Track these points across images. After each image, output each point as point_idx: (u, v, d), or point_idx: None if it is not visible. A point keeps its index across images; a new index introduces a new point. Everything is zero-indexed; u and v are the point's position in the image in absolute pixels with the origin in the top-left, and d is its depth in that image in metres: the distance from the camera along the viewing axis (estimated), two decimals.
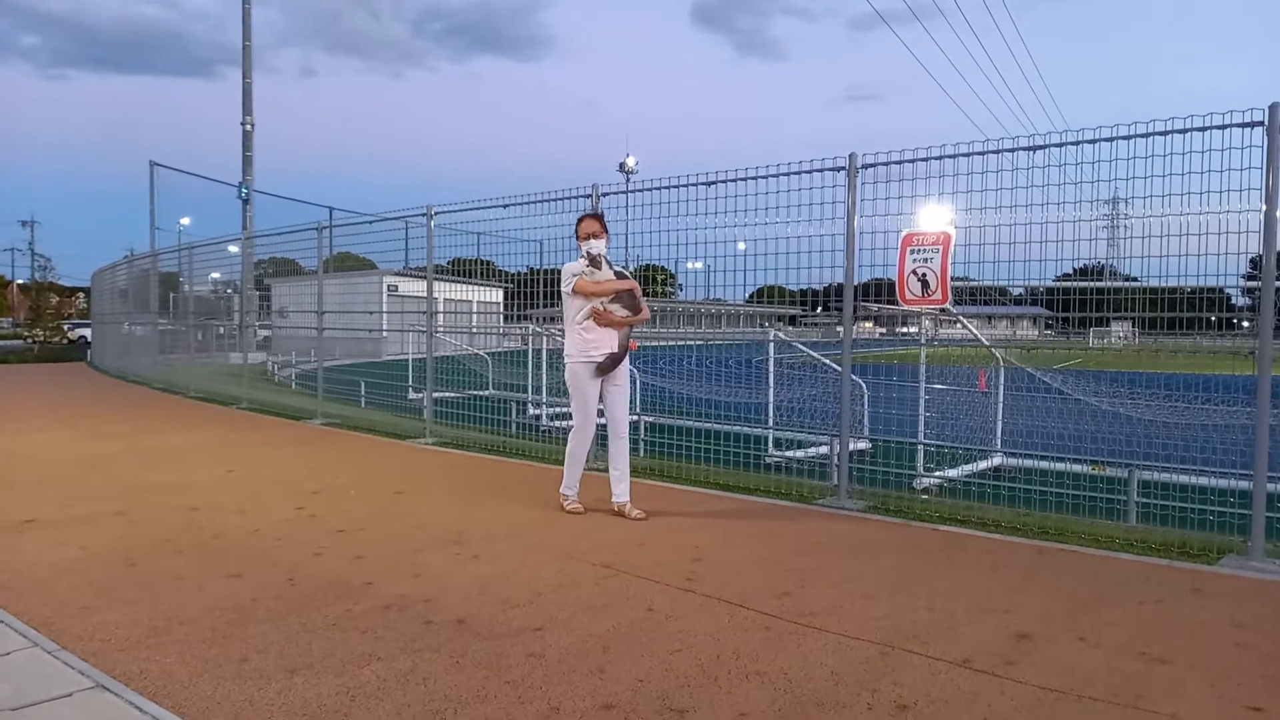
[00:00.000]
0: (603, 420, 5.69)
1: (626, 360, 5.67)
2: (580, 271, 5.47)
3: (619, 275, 5.59)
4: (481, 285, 10.57)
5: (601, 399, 5.59)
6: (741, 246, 6.89)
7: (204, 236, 17.84)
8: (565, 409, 9.96)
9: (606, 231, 5.60)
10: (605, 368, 5.48)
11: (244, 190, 25.77)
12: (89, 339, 29.73)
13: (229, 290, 16.86)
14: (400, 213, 9.74)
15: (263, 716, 2.73)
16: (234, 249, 14.72)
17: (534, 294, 8.79)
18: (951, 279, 5.63)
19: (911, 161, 5.78)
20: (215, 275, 16.51)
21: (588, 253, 5.47)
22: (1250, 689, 3.02)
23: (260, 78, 26.24)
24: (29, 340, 31.70)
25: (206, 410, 12.02)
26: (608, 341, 5.52)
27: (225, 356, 17.33)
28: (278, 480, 6.75)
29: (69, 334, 37.22)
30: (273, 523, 5.31)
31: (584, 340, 5.50)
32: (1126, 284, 5.94)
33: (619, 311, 5.52)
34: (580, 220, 5.65)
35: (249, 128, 25.66)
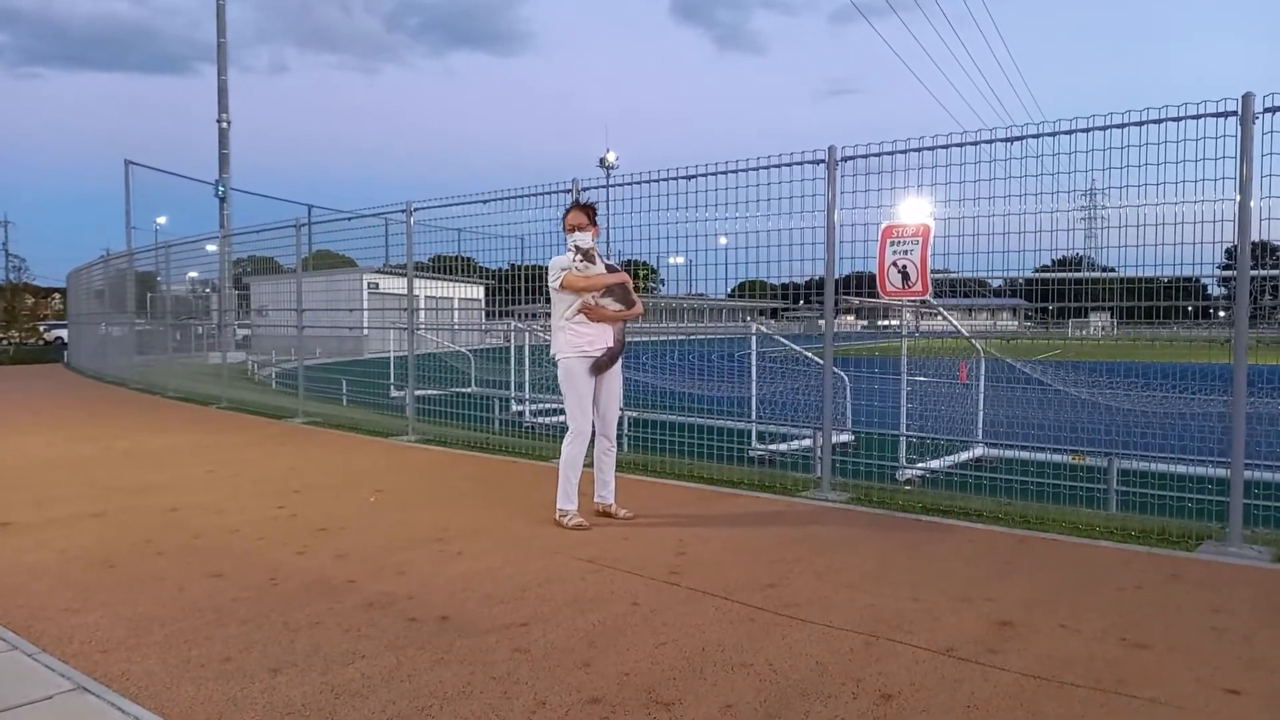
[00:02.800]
0: None
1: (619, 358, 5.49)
2: (568, 265, 5.20)
3: (610, 269, 5.34)
4: (462, 282, 10.53)
5: (595, 398, 5.31)
6: (723, 241, 6.90)
7: (181, 235, 17.67)
8: (548, 405, 9.97)
9: (595, 224, 5.32)
10: (603, 365, 5.24)
11: (221, 188, 25.52)
12: (66, 340, 29.42)
13: (207, 289, 16.71)
14: (380, 209, 9.69)
15: (246, 716, 2.71)
16: (211, 248, 14.58)
17: (516, 290, 8.77)
18: (931, 271, 5.66)
19: (890, 154, 5.81)
20: (193, 274, 16.37)
21: (576, 246, 5.19)
22: (1228, 672, 3.05)
23: (235, 74, 26.02)
24: (4, 342, 31.34)
25: (185, 410, 11.91)
26: (603, 337, 5.26)
27: (204, 356, 17.20)
28: (258, 480, 6.70)
29: (45, 335, 36.85)
30: (254, 522, 5.27)
31: (577, 335, 5.22)
32: (1104, 274, 6.00)
33: (611, 306, 5.26)
34: (568, 211, 5.36)
35: (225, 125, 25.41)
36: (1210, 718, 2.71)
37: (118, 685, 2.92)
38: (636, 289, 5.47)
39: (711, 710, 2.75)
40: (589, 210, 5.37)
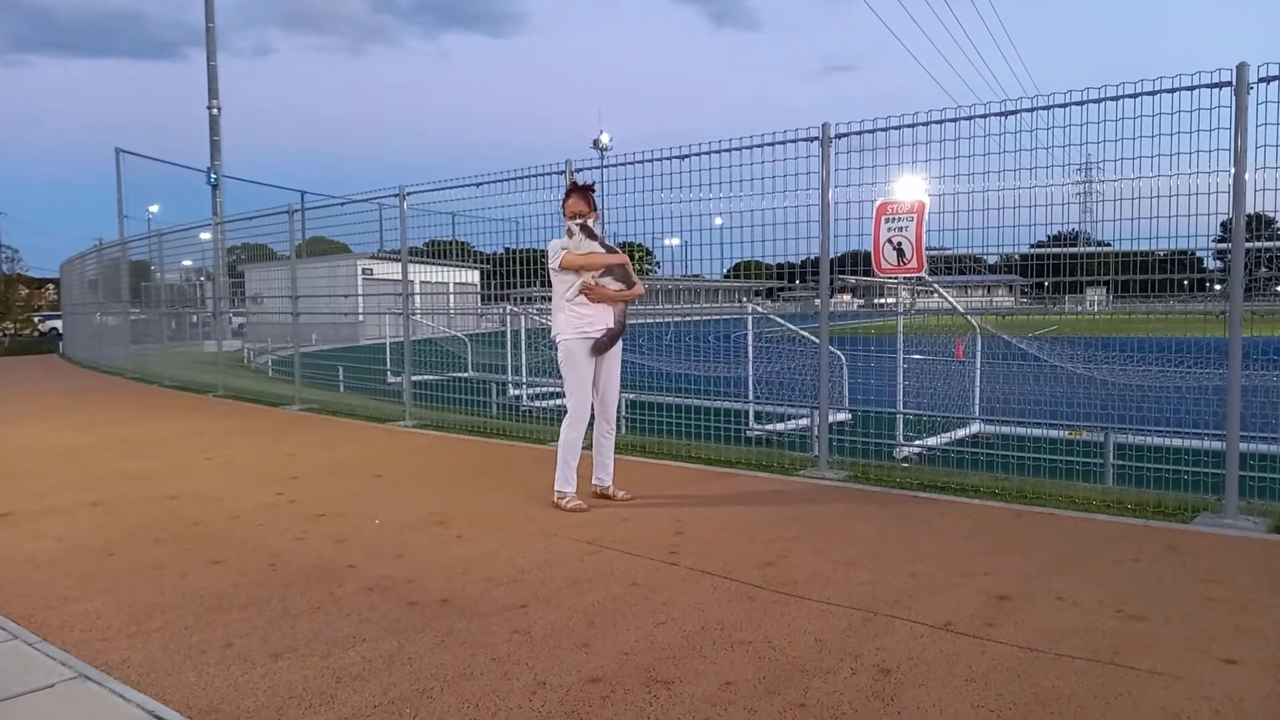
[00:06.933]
0: None
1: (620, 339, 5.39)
2: (567, 245, 5.14)
3: (609, 249, 5.28)
4: (457, 266, 10.50)
5: (594, 380, 5.26)
6: (718, 221, 6.87)
7: (174, 223, 17.58)
8: (545, 388, 9.97)
9: (595, 208, 5.26)
10: (603, 345, 5.19)
11: (213, 175, 25.37)
12: (60, 331, 29.35)
13: (201, 278, 16.65)
14: (373, 194, 9.64)
15: (247, 700, 2.72)
16: (205, 235, 14.52)
17: (511, 274, 8.73)
18: (926, 248, 5.64)
19: (885, 130, 5.77)
20: (187, 263, 16.30)
21: (578, 223, 5.12)
22: (1224, 642, 3.07)
23: (224, 59, 25.74)
24: None
25: (182, 399, 11.90)
26: (603, 318, 5.20)
27: (199, 345, 17.16)
28: (256, 467, 6.70)
29: (39, 326, 36.77)
30: (253, 509, 5.27)
31: (578, 316, 5.16)
32: (1100, 249, 5.99)
33: (611, 285, 5.20)
34: (567, 196, 5.28)
35: (215, 111, 25.23)
36: (1207, 688, 2.72)
37: (119, 672, 2.92)
38: (634, 271, 5.43)
39: (711, 688, 2.77)
40: (590, 195, 5.29)
